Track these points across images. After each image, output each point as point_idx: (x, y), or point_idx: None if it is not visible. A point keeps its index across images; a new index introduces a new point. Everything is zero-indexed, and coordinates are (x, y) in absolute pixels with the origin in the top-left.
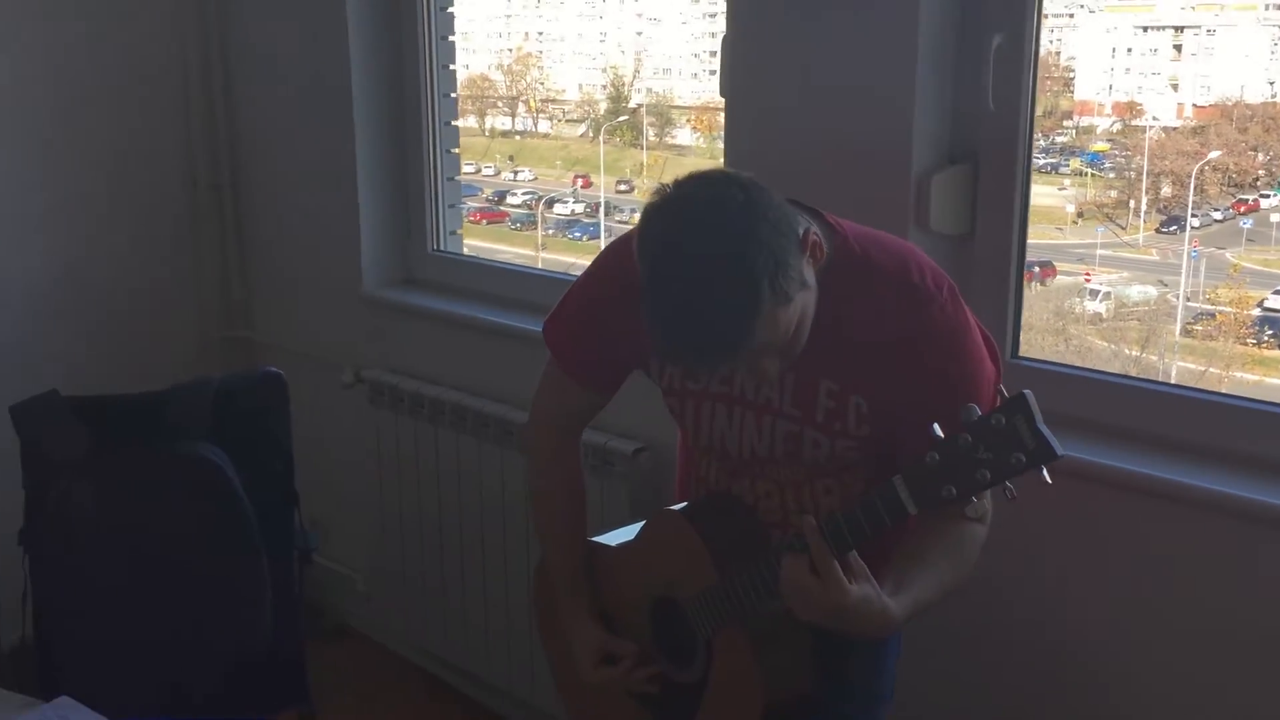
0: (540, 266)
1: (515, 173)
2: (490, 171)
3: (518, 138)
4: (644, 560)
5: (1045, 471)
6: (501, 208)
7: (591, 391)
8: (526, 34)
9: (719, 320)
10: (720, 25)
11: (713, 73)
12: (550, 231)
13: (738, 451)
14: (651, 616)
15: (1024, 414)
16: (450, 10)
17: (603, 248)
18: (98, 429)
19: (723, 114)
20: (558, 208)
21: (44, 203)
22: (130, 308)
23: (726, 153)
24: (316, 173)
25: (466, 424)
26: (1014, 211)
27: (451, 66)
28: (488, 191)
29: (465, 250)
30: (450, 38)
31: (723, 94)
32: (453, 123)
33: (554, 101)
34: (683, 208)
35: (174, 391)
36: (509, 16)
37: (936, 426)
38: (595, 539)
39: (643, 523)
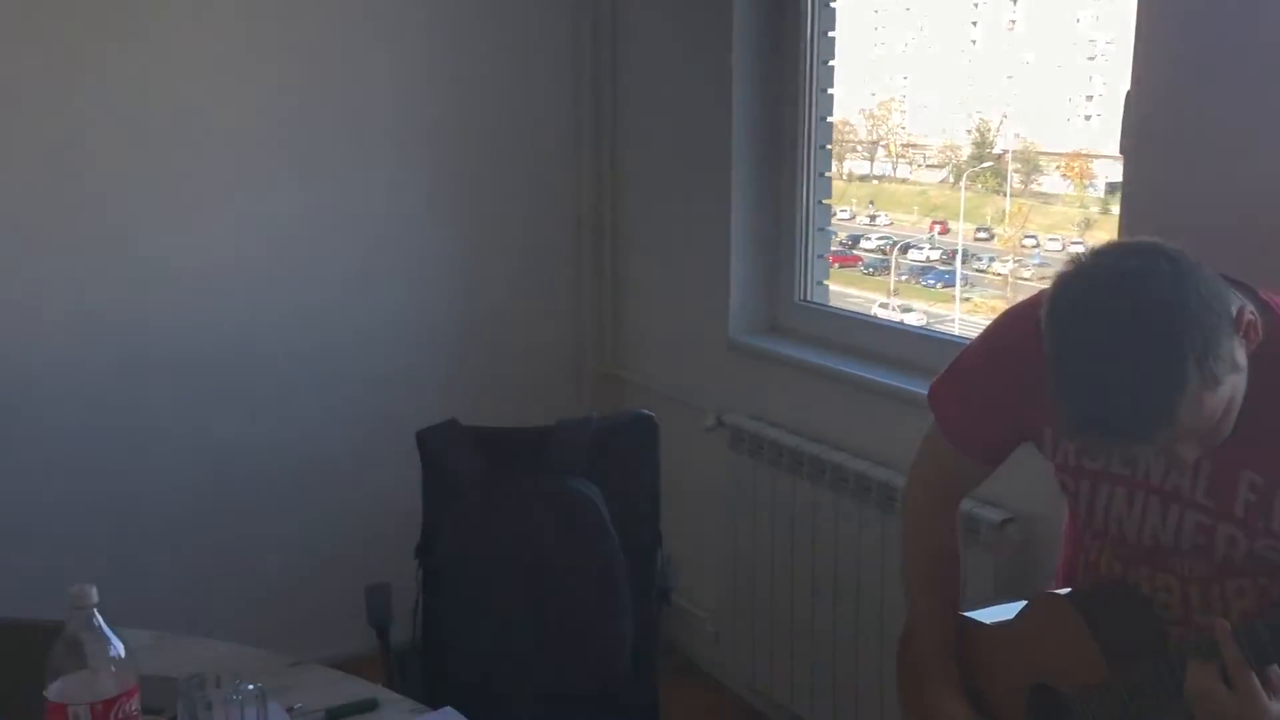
0: (897, 318)
1: (872, 217)
2: (845, 215)
3: (875, 182)
4: (1023, 644)
5: None
6: (855, 252)
7: (975, 462)
8: (891, 78)
9: (1138, 399)
10: (1099, 68)
11: (1087, 118)
12: (904, 278)
13: (1137, 539)
14: (1028, 705)
15: None
16: (831, 64)
17: (955, 292)
18: (491, 457)
19: (1095, 161)
20: (912, 253)
21: (446, 244)
22: (519, 343)
23: (1123, 215)
24: (692, 219)
25: (825, 477)
26: None
27: (829, 119)
28: (842, 235)
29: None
30: (829, 90)
31: (1122, 151)
32: (825, 174)
33: (915, 147)
34: (1103, 276)
35: (559, 428)
36: (873, 61)
37: None
38: (969, 614)
39: (1021, 603)
